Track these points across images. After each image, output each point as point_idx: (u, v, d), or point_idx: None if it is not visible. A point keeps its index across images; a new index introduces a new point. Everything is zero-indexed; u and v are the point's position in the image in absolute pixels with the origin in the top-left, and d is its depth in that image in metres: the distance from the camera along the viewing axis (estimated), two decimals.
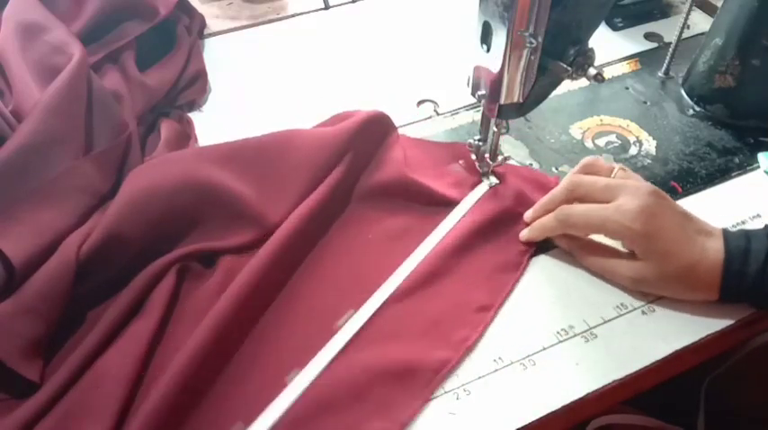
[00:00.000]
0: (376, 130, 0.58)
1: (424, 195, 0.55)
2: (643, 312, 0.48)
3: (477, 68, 0.50)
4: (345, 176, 0.55)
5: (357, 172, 0.57)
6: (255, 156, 0.55)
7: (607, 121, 0.65)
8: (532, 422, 0.43)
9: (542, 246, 0.53)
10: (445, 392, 0.44)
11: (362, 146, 0.57)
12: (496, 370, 0.46)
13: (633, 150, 0.61)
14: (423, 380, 0.44)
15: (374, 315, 0.48)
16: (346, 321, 0.48)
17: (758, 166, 0.59)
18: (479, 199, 0.56)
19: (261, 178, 0.54)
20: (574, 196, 0.49)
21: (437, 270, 0.51)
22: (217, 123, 0.66)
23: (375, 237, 0.53)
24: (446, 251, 0.52)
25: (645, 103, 0.67)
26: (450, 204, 0.55)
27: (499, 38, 0.46)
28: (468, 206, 0.55)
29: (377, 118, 0.58)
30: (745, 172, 0.59)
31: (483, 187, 0.57)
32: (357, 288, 0.50)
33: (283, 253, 0.50)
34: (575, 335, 0.47)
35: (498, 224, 0.54)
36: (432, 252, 0.52)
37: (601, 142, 0.62)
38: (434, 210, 0.55)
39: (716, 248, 0.46)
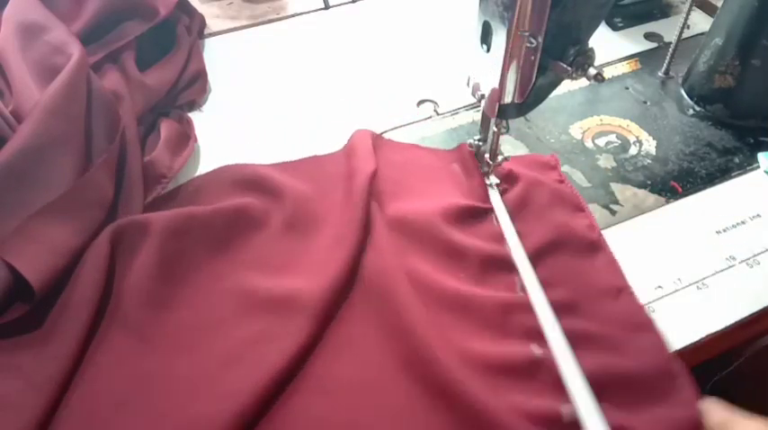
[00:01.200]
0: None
1: (458, 223, 0.53)
2: None
3: (476, 68, 0.50)
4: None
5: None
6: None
7: (607, 121, 0.65)
8: None
9: None
10: None
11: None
12: None
13: (633, 150, 0.61)
14: (671, 373, 0.42)
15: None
16: (545, 359, 0.44)
17: (758, 166, 0.59)
18: (505, 202, 0.55)
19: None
20: None
21: (557, 283, 0.48)
22: (217, 123, 0.66)
23: (466, 275, 0.50)
24: (544, 261, 0.50)
25: (645, 102, 0.67)
26: (484, 212, 0.54)
27: (499, 38, 0.46)
28: (502, 211, 0.54)
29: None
30: (745, 172, 0.59)
31: (493, 190, 0.56)
32: (508, 327, 0.46)
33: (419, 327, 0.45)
34: None
35: (549, 218, 0.53)
36: (532, 270, 0.49)
37: (601, 142, 0.62)
38: (483, 228, 0.53)
39: None
